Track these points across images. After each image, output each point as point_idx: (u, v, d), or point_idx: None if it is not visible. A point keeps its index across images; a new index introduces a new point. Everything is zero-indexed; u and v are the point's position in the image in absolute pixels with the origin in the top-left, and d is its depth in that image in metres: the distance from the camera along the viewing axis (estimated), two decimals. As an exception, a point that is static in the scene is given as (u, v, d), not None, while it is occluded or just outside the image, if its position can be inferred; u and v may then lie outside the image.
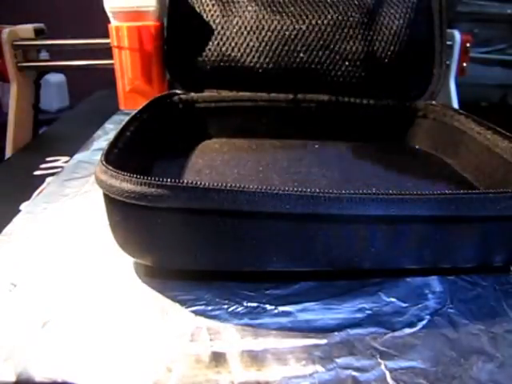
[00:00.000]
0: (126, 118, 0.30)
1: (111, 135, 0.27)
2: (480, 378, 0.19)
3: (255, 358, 0.20)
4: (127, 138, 0.28)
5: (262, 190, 0.20)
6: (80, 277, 0.24)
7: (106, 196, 0.22)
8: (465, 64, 0.52)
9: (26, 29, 0.48)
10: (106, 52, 0.43)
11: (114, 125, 0.49)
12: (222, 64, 0.38)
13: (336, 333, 0.21)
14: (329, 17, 0.37)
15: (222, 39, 0.38)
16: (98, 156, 0.23)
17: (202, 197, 0.20)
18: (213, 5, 0.38)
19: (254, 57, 0.37)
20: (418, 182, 0.32)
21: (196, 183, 0.20)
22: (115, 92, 0.43)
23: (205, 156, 0.35)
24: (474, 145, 0.33)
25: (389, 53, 0.38)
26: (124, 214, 0.22)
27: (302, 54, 0.37)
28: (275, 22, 0.37)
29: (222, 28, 0.38)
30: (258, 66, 0.38)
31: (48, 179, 0.37)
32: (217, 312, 0.22)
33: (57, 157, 0.43)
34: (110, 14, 0.40)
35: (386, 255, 0.23)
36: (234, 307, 0.22)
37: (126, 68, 0.41)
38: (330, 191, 0.20)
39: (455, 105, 0.51)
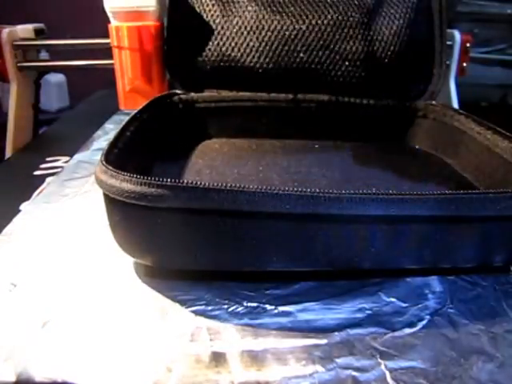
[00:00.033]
0: (126, 118, 0.30)
1: (111, 135, 0.27)
2: (480, 377, 0.19)
3: (255, 358, 0.20)
4: (127, 138, 0.28)
5: (262, 190, 0.20)
6: (80, 277, 0.24)
7: (105, 196, 0.22)
8: (465, 64, 0.52)
9: (26, 29, 0.49)
10: (106, 52, 0.43)
11: (114, 125, 0.49)
12: (221, 64, 0.38)
13: (336, 333, 0.21)
14: (329, 17, 0.37)
15: (221, 39, 0.38)
16: (98, 156, 0.23)
17: (202, 197, 0.20)
18: (213, 5, 0.38)
19: (253, 57, 0.37)
20: (418, 182, 0.32)
21: (196, 183, 0.20)
22: (115, 92, 0.43)
23: (205, 156, 0.35)
24: (474, 145, 0.33)
25: (389, 53, 0.38)
26: (124, 213, 0.22)
27: (301, 54, 0.37)
28: (275, 22, 0.37)
29: (222, 28, 0.38)
30: (257, 66, 0.38)
31: (48, 179, 0.37)
32: (217, 312, 0.22)
33: (57, 157, 0.43)
34: (109, 14, 0.40)
35: (385, 255, 0.23)
36: (234, 307, 0.22)
37: (125, 68, 0.41)
38: (330, 191, 0.20)
39: (455, 105, 0.51)
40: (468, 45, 0.52)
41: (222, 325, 0.21)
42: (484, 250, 0.24)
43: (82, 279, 0.24)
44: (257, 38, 0.37)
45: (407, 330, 0.21)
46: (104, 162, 0.22)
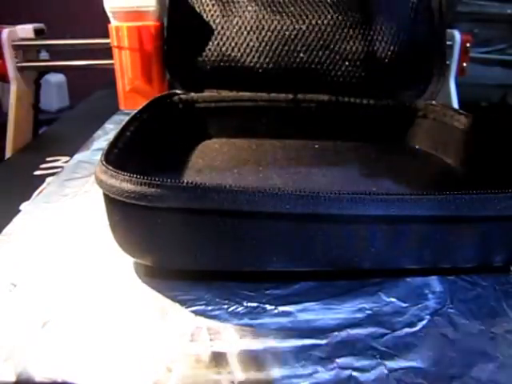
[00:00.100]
0: (126, 118, 0.30)
1: (111, 135, 0.27)
2: (480, 377, 0.19)
3: (255, 358, 0.20)
4: (127, 138, 0.28)
5: (262, 190, 0.20)
6: (80, 277, 0.24)
7: (105, 196, 0.22)
8: (465, 64, 0.52)
9: (26, 29, 0.49)
10: (106, 52, 0.43)
11: (114, 125, 0.49)
12: (221, 64, 0.38)
13: (336, 333, 0.21)
14: (329, 17, 0.37)
15: (221, 39, 0.38)
16: (98, 156, 0.23)
17: (202, 197, 0.20)
18: (213, 5, 0.38)
19: (253, 57, 0.38)
20: (418, 182, 0.32)
21: (196, 183, 0.20)
22: (115, 92, 0.43)
23: (205, 156, 0.35)
24: (473, 145, 0.33)
25: (389, 53, 0.38)
26: (124, 213, 0.22)
27: (301, 54, 0.37)
28: (275, 22, 0.37)
29: (222, 28, 0.38)
30: (257, 66, 0.38)
31: (48, 179, 0.37)
32: (217, 312, 0.22)
33: (57, 157, 0.43)
34: (109, 14, 0.40)
35: (385, 255, 0.23)
36: (234, 307, 0.22)
37: (126, 68, 0.41)
38: (330, 191, 0.20)
39: (455, 105, 0.51)
40: (468, 45, 0.52)
41: (222, 325, 0.21)
42: (484, 250, 0.24)
43: (82, 279, 0.24)
44: (257, 38, 0.37)
45: (407, 330, 0.21)
46: (104, 162, 0.22)
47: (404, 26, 0.38)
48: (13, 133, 0.48)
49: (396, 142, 0.39)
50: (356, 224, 0.22)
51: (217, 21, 0.38)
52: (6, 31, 0.46)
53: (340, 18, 0.37)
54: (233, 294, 0.23)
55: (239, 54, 0.38)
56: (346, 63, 0.38)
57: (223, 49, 0.38)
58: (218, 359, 0.19)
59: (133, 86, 0.42)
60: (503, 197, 0.22)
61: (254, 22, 0.37)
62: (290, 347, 0.20)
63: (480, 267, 0.25)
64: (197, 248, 0.22)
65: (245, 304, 0.23)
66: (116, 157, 0.24)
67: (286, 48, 0.37)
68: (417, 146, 0.39)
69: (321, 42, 0.37)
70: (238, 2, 0.38)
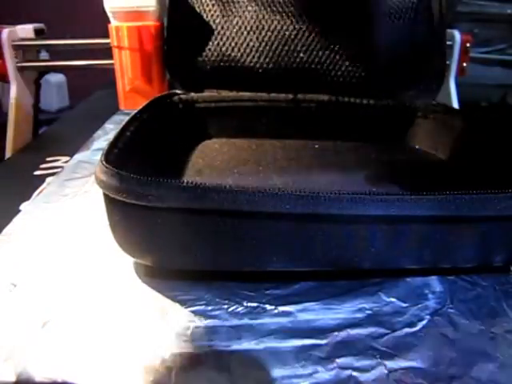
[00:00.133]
0: (126, 118, 0.30)
1: (111, 135, 0.27)
2: (480, 377, 0.19)
3: (255, 358, 0.20)
4: (127, 138, 0.27)
5: (262, 190, 0.20)
6: (80, 277, 0.24)
7: (105, 196, 0.22)
8: (465, 64, 0.52)
9: (26, 29, 0.49)
10: (106, 52, 0.43)
11: (114, 125, 0.49)
12: (221, 64, 0.38)
13: (336, 333, 0.21)
14: (329, 17, 0.37)
15: (221, 39, 0.38)
16: (98, 156, 0.23)
17: (202, 197, 0.20)
18: (213, 5, 0.38)
19: (253, 57, 0.38)
20: (418, 182, 0.32)
21: (196, 183, 0.20)
22: (115, 92, 0.43)
23: (205, 156, 0.35)
24: (473, 145, 0.33)
25: (389, 53, 0.38)
26: (124, 213, 0.22)
27: (301, 54, 0.37)
28: (275, 22, 0.37)
29: (222, 28, 0.38)
30: (258, 66, 0.38)
31: (48, 179, 0.37)
32: (217, 312, 0.22)
33: (57, 157, 0.43)
34: (110, 14, 0.40)
35: (386, 255, 0.23)
36: (234, 307, 0.22)
37: (126, 68, 0.41)
38: (330, 191, 0.20)
39: (455, 105, 0.51)
40: (468, 45, 0.52)
41: (222, 325, 0.21)
42: (484, 250, 0.24)
43: (82, 279, 0.24)
44: (257, 38, 0.37)
45: (407, 330, 0.21)
46: (104, 162, 0.22)
47: (404, 26, 0.38)
48: (13, 133, 0.48)
49: (396, 142, 0.39)
50: (356, 224, 0.22)
51: (217, 21, 0.38)
52: (5, 31, 0.46)
53: (340, 18, 0.37)
54: (233, 294, 0.23)
55: (239, 54, 0.38)
56: (346, 63, 0.38)
57: (223, 49, 0.38)
58: (218, 359, 0.19)
59: (133, 85, 0.42)
60: (503, 197, 0.22)
61: (254, 22, 0.37)
62: (290, 347, 0.20)
63: (480, 267, 0.25)
64: (197, 248, 0.22)
65: (245, 304, 0.23)
66: (116, 157, 0.24)
67: (286, 48, 0.37)
68: (417, 146, 0.39)
69: (321, 42, 0.37)
70: (238, 2, 0.38)
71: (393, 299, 0.23)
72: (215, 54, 0.38)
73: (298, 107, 0.39)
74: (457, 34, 0.51)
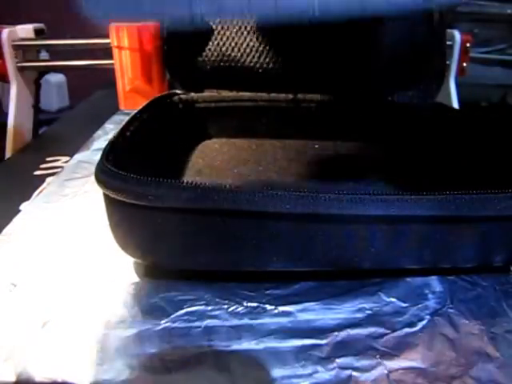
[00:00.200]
0: (126, 118, 0.30)
1: (111, 135, 0.27)
2: (480, 377, 0.19)
3: (255, 358, 0.20)
4: (127, 138, 0.28)
5: (262, 190, 0.20)
6: (80, 277, 0.24)
7: (105, 196, 0.22)
8: (465, 64, 0.53)
9: (26, 29, 0.49)
10: (106, 52, 0.43)
11: (114, 125, 0.49)
12: (221, 64, 0.38)
13: (336, 333, 0.21)
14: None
15: (221, 39, 0.38)
16: (98, 156, 0.23)
17: (201, 197, 0.20)
18: (213, 5, 0.38)
19: (254, 57, 0.38)
20: (418, 182, 0.32)
21: (196, 183, 0.20)
22: (115, 92, 0.43)
23: (205, 156, 0.35)
24: (473, 145, 0.33)
25: (389, 53, 0.38)
26: (124, 213, 0.22)
27: (301, 54, 0.37)
28: (275, 22, 0.37)
29: (222, 28, 0.38)
30: (258, 66, 0.38)
31: (48, 179, 0.37)
32: (217, 312, 0.22)
33: (57, 157, 0.43)
34: (110, 14, 0.40)
35: (385, 255, 0.23)
36: (234, 307, 0.22)
37: (126, 68, 0.41)
38: (330, 191, 0.20)
39: (455, 105, 0.51)
40: (468, 45, 0.52)
41: (222, 325, 0.21)
42: (484, 250, 0.24)
43: (82, 279, 0.24)
44: (257, 38, 0.37)
45: (407, 330, 0.21)
46: (104, 162, 0.22)
47: (404, 27, 0.38)
48: (13, 133, 0.49)
49: (396, 142, 0.39)
50: (356, 224, 0.22)
51: (217, 21, 0.38)
52: (5, 31, 0.46)
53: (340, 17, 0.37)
54: (233, 294, 0.23)
55: (239, 54, 0.38)
56: (346, 63, 0.38)
57: (223, 49, 0.38)
58: (218, 359, 0.19)
59: (133, 85, 0.42)
60: (503, 197, 0.22)
61: (254, 22, 0.37)
62: (290, 347, 0.20)
63: (480, 267, 0.25)
64: (197, 248, 0.22)
65: (245, 304, 0.23)
66: (116, 157, 0.24)
67: (286, 48, 0.37)
68: (416, 146, 0.39)
69: (321, 42, 0.37)
70: (238, 2, 0.38)
71: (393, 299, 0.23)
72: (215, 54, 0.38)
73: (298, 107, 0.39)
74: (457, 34, 0.51)
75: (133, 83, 0.42)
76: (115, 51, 0.41)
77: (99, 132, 0.48)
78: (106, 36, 0.41)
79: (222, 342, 0.20)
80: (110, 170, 0.21)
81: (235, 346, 0.20)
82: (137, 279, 0.24)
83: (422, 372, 0.19)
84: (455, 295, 0.24)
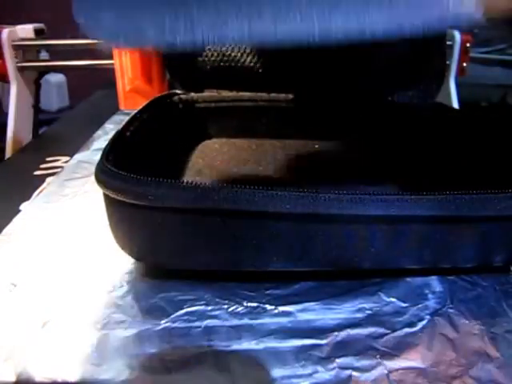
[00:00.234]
0: (126, 118, 0.30)
1: (111, 135, 0.27)
2: (480, 377, 0.19)
3: (255, 358, 0.20)
4: (127, 138, 0.28)
5: (262, 190, 0.20)
6: (80, 277, 0.24)
7: (105, 196, 0.22)
8: (465, 64, 0.53)
9: (26, 29, 0.49)
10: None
11: (114, 125, 0.49)
12: (221, 64, 0.38)
13: (336, 333, 0.21)
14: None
15: (221, 39, 0.38)
16: (98, 156, 0.23)
17: (201, 197, 0.20)
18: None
19: (253, 57, 0.37)
20: (418, 183, 0.32)
21: (196, 183, 0.20)
22: (115, 92, 0.43)
23: (205, 156, 0.35)
24: (473, 145, 0.33)
25: (389, 53, 0.38)
26: (124, 213, 0.22)
27: (301, 54, 0.37)
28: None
29: (222, 28, 0.38)
30: (258, 66, 0.38)
31: (48, 179, 0.37)
32: (217, 312, 0.22)
33: (57, 157, 0.43)
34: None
35: (385, 255, 0.23)
36: (234, 307, 0.22)
37: (125, 68, 0.41)
38: (330, 191, 0.20)
39: (455, 105, 0.51)
40: (468, 45, 0.52)
41: (222, 325, 0.21)
42: (484, 250, 0.24)
43: (82, 279, 0.24)
44: (257, 38, 0.37)
45: (407, 330, 0.21)
46: (104, 162, 0.22)
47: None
48: (13, 133, 0.49)
49: (396, 142, 0.39)
50: (356, 224, 0.22)
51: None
52: (5, 31, 0.46)
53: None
54: (233, 294, 0.23)
55: (239, 54, 0.38)
56: (346, 63, 0.38)
57: (223, 49, 0.38)
58: (218, 359, 0.19)
59: (133, 85, 0.42)
60: (503, 197, 0.22)
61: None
62: (290, 347, 0.20)
63: (480, 267, 0.25)
64: (197, 248, 0.22)
65: (245, 304, 0.23)
66: (116, 157, 0.24)
67: (286, 48, 0.37)
68: (416, 146, 0.39)
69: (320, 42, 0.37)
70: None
71: (393, 299, 0.23)
72: (215, 54, 0.38)
73: (297, 107, 0.39)
74: (457, 34, 0.51)
75: (133, 83, 0.42)
76: (115, 51, 0.41)
77: (99, 132, 0.48)
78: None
79: (222, 342, 0.20)
80: (110, 170, 0.21)
81: (235, 346, 0.20)
82: (137, 279, 0.24)
83: (422, 372, 0.19)
84: (455, 295, 0.24)
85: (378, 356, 0.20)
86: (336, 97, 0.39)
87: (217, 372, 0.19)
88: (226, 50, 0.38)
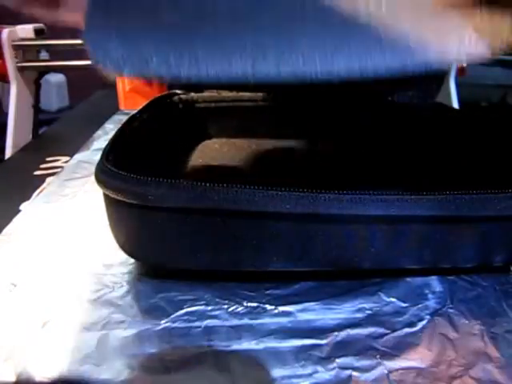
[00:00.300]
0: (126, 118, 0.30)
1: (111, 135, 0.27)
2: (480, 377, 0.19)
3: (255, 358, 0.20)
4: (127, 138, 0.28)
5: (262, 190, 0.20)
6: (80, 277, 0.24)
7: (105, 196, 0.22)
8: (465, 64, 0.52)
9: (26, 29, 0.49)
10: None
11: (114, 125, 0.49)
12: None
13: (336, 333, 0.21)
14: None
15: (221, 39, 0.38)
16: (98, 156, 0.23)
17: (201, 197, 0.20)
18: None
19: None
20: (418, 183, 0.32)
21: (196, 183, 0.20)
22: (115, 92, 0.43)
23: (205, 156, 0.35)
24: (472, 145, 0.33)
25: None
26: (124, 214, 0.22)
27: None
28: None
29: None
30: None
31: (48, 179, 0.37)
32: (217, 312, 0.22)
33: (57, 157, 0.43)
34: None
35: (385, 255, 0.23)
36: (234, 307, 0.22)
37: (126, 68, 0.41)
38: (330, 191, 0.20)
39: (455, 105, 0.51)
40: (468, 45, 0.52)
41: (222, 325, 0.21)
42: (484, 250, 0.24)
43: (82, 279, 0.24)
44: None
45: (407, 330, 0.21)
46: (104, 162, 0.22)
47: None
48: (13, 133, 0.49)
49: (396, 142, 0.39)
50: (356, 224, 0.22)
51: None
52: (5, 31, 0.46)
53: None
54: (233, 294, 0.23)
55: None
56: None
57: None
58: (218, 359, 0.19)
59: (133, 85, 0.42)
60: (503, 197, 0.22)
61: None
62: (290, 347, 0.20)
63: (480, 267, 0.25)
64: (197, 248, 0.22)
65: (245, 304, 0.23)
66: (116, 157, 0.24)
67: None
68: (416, 146, 0.39)
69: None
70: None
71: (393, 299, 0.23)
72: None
73: (297, 107, 0.39)
74: (457, 34, 0.50)
75: (133, 83, 0.42)
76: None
77: (99, 132, 0.48)
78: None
79: (222, 341, 0.20)
80: (110, 170, 0.21)
81: (235, 346, 0.20)
82: (137, 279, 0.24)
83: (422, 372, 0.19)
84: (455, 295, 0.24)
85: (377, 356, 0.20)
86: (336, 97, 0.39)
87: (217, 372, 0.19)
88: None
